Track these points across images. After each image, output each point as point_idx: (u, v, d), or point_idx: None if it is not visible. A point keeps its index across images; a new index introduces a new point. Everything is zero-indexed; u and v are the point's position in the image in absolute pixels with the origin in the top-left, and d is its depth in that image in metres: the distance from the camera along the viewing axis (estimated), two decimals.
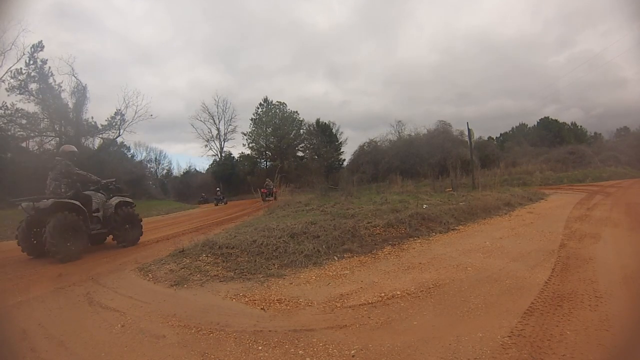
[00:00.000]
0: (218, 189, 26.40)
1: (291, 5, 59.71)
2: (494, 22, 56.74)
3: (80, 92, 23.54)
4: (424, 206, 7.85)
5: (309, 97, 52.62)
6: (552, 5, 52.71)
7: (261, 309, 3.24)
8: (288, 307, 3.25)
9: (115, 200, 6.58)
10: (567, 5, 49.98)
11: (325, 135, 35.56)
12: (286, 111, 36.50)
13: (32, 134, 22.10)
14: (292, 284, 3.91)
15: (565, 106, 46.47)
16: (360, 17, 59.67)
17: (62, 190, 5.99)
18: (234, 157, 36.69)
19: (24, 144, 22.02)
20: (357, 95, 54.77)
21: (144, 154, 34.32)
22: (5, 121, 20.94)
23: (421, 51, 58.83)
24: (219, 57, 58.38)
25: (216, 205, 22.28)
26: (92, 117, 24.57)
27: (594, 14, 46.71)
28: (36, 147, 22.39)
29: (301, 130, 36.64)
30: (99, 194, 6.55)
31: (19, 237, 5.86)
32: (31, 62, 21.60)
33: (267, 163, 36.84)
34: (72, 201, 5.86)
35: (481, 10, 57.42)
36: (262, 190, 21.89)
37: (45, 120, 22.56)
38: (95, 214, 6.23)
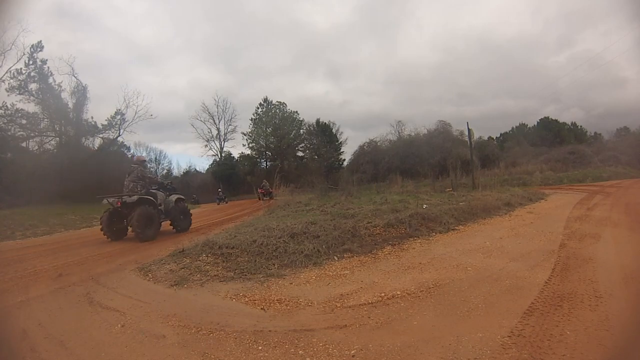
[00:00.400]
0: (220, 189, 26.71)
1: (291, 5, 59.59)
2: (495, 22, 56.56)
3: (81, 92, 23.53)
4: (424, 206, 7.85)
5: (310, 97, 52.54)
6: (553, 5, 52.56)
7: (261, 309, 3.24)
8: (288, 307, 3.25)
9: (174, 197, 8.39)
10: (567, 4, 49.84)
11: (325, 135, 35.51)
12: (286, 111, 36.47)
13: (32, 134, 22.09)
14: (292, 284, 3.91)
15: (566, 106, 46.15)
16: (361, 16, 59.55)
17: (138, 189, 7.53)
18: (234, 157, 36.67)
19: (24, 144, 22.03)
20: (358, 95, 54.65)
21: (144, 154, 34.30)
22: (5, 121, 20.93)
23: (422, 51, 58.63)
24: (219, 56, 58.29)
25: (218, 204, 22.94)
26: (92, 117, 24.56)
27: (595, 14, 46.53)
28: (36, 147, 22.40)
29: (301, 130, 36.61)
30: (161, 192, 8.18)
31: (103, 225, 7.41)
32: (31, 62, 21.59)
33: (267, 163, 36.82)
34: (150, 197, 7.57)
35: (482, 10, 57.32)
36: (259, 190, 22.93)
37: (45, 120, 22.56)
38: (160, 207, 7.87)
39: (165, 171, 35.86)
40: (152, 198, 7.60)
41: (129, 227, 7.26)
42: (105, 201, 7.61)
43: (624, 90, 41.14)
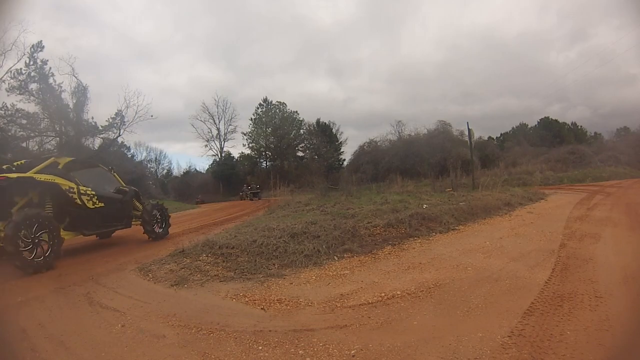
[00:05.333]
0: (250, 185, 26.89)
1: (294, 1, 59.48)
2: (500, 19, 56.48)
3: (81, 93, 23.55)
4: (424, 206, 7.85)
5: (312, 94, 52.54)
6: (559, 1, 52.33)
7: (261, 309, 3.24)
8: (288, 307, 3.25)
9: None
10: (573, 1, 49.58)
11: (325, 135, 35.56)
12: (286, 111, 36.55)
13: (32, 134, 22.11)
14: (292, 284, 3.91)
15: (572, 104, 45.93)
16: (364, 13, 59.36)
17: None
18: (233, 157, 36.76)
19: (24, 144, 22.03)
20: (361, 93, 54.65)
21: (144, 154, 34.37)
22: (6, 121, 20.93)
23: (426, 48, 58.58)
24: (220, 53, 58.28)
25: (251, 200, 23.91)
26: (93, 117, 24.58)
27: (601, 11, 46.30)
28: (36, 147, 22.39)
29: (301, 130, 36.68)
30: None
31: None
32: (31, 62, 21.61)
33: (267, 163, 36.88)
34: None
35: (487, 7, 57.11)
36: (248, 188, 24.77)
37: (46, 120, 22.58)
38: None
39: (165, 171, 35.88)
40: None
41: None
42: None
43: (631, 88, 40.98)
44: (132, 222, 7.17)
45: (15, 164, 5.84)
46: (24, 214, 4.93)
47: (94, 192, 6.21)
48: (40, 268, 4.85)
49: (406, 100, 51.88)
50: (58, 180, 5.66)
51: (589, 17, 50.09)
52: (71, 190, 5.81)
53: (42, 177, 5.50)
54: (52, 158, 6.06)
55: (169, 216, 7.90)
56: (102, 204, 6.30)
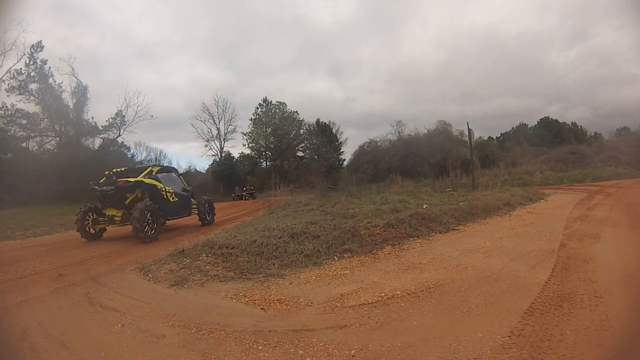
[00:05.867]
0: (245, 187, 27.90)
1: (294, 1, 59.39)
2: (500, 19, 56.39)
3: (81, 93, 23.54)
4: (424, 206, 7.85)
5: (312, 94, 52.49)
6: (559, 1, 52.23)
7: (261, 309, 3.24)
8: (288, 307, 3.25)
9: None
10: (573, 1, 49.48)
11: (325, 135, 35.52)
12: (286, 111, 36.49)
13: (32, 134, 22.10)
14: (292, 284, 3.91)
15: (573, 104, 45.76)
16: (365, 13, 59.24)
17: None
18: (233, 157, 36.68)
19: (24, 144, 22.03)
20: (361, 93, 54.59)
21: (144, 154, 34.26)
22: (6, 121, 20.93)
23: (426, 48, 58.52)
24: (220, 53, 58.15)
25: (246, 199, 24.90)
26: (93, 118, 24.56)
27: (602, 11, 46.18)
28: (36, 147, 22.40)
29: (301, 130, 36.62)
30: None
31: None
32: (31, 62, 21.60)
33: (267, 163, 36.85)
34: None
35: (487, 6, 57.03)
36: (243, 189, 26.04)
37: (46, 120, 22.56)
38: None
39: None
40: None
41: None
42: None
43: (632, 88, 40.93)
44: (192, 213, 9.42)
45: (114, 170, 8.18)
46: (144, 205, 7.18)
47: (172, 191, 8.57)
48: (152, 239, 7.16)
49: (406, 100, 51.89)
50: (154, 182, 8.10)
51: (589, 16, 50.11)
52: (161, 189, 8.21)
53: (147, 180, 7.90)
54: (149, 167, 8.47)
55: (214, 208, 10.37)
56: (177, 199, 8.67)
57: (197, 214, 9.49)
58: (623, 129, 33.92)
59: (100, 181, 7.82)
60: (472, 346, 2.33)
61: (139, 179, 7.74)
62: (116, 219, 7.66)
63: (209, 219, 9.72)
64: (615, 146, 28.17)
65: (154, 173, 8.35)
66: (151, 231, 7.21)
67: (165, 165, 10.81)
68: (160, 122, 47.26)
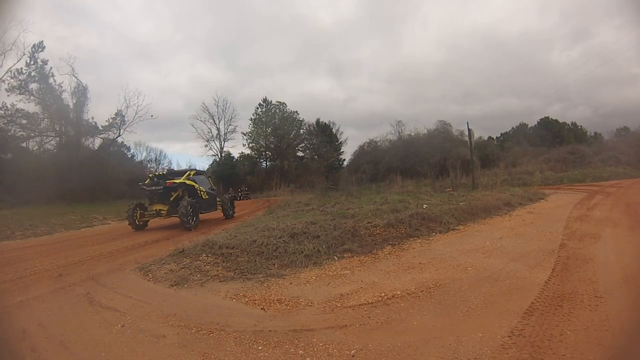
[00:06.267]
0: (240, 188, 28.32)
1: (294, 0, 59.28)
2: (501, 19, 56.35)
3: (81, 93, 23.49)
4: (424, 206, 7.85)
5: (312, 94, 52.47)
6: (560, 1, 52.12)
7: (261, 309, 3.24)
8: (288, 307, 3.25)
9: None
10: (574, 1, 49.37)
11: (325, 135, 35.52)
12: (286, 111, 36.49)
13: (32, 134, 22.06)
14: (292, 284, 3.91)
15: (573, 104, 45.69)
16: (365, 12, 59.22)
17: None
18: (233, 157, 36.68)
19: (24, 144, 22.00)
20: (361, 93, 54.59)
21: (144, 154, 34.23)
22: (6, 121, 20.90)
23: (426, 48, 58.46)
24: (220, 53, 58.15)
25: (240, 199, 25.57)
26: (93, 118, 24.52)
27: (602, 10, 46.06)
28: (36, 147, 22.37)
29: (301, 130, 36.62)
30: None
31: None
32: (32, 62, 21.57)
33: (267, 163, 36.85)
34: None
35: (488, 6, 56.94)
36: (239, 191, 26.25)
37: (46, 120, 22.51)
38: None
39: (165, 171, 35.90)
40: None
41: None
42: None
43: (633, 88, 40.84)
44: (217, 208, 11.34)
45: (156, 173, 10.70)
46: (187, 202, 9.00)
47: (204, 190, 10.38)
48: (194, 228, 8.93)
49: (406, 100, 51.88)
50: (192, 183, 9.93)
51: (590, 16, 50.10)
52: (197, 189, 9.99)
53: (188, 181, 9.80)
54: (188, 171, 10.34)
55: (235, 204, 12.69)
56: (208, 197, 10.48)
57: (222, 209, 11.51)
58: (623, 129, 33.96)
59: (145, 182, 9.74)
60: (472, 346, 2.33)
61: (182, 180, 9.67)
62: (162, 212, 9.53)
63: (230, 213, 11.77)
64: (615, 146, 28.18)
65: (191, 175, 10.18)
66: (192, 221, 9.01)
67: (198, 169, 12.46)
68: (160, 122, 47.29)
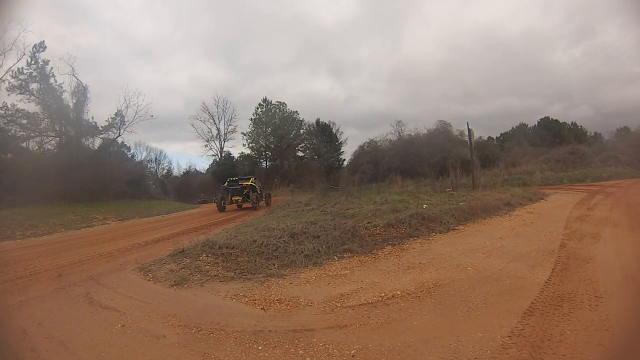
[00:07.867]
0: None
1: None
2: (501, 18, 56.04)
3: (81, 93, 23.46)
4: (424, 206, 7.85)
5: (312, 94, 52.11)
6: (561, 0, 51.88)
7: (261, 308, 3.24)
8: (288, 307, 3.25)
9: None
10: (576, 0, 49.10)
11: (325, 135, 35.48)
12: (286, 111, 36.45)
13: (32, 134, 22.04)
14: (292, 284, 3.91)
15: (575, 103, 45.13)
16: (366, 12, 58.71)
17: None
18: (233, 157, 36.68)
19: (24, 144, 21.98)
20: (361, 93, 54.24)
21: (144, 154, 34.25)
22: (6, 121, 20.89)
23: (427, 48, 58.12)
24: (220, 52, 57.74)
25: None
26: (93, 117, 24.49)
27: (605, 9, 45.78)
28: (36, 147, 22.34)
29: (301, 130, 36.57)
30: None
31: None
32: (32, 62, 21.55)
33: (267, 163, 36.85)
34: None
35: (489, 5, 56.64)
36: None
37: (46, 120, 22.47)
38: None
39: (165, 171, 36.00)
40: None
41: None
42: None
43: (635, 87, 40.68)
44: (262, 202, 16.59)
45: (232, 178, 16.78)
46: (255, 195, 15.41)
47: (259, 188, 16.34)
48: (257, 209, 14.50)
49: (407, 100, 51.65)
50: (254, 184, 16.01)
51: (592, 15, 49.73)
52: (258, 188, 16.26)
53: (255, 183, 16.15)
54: (251, 177, 17.05)
55: (270, 199, 17.49)
56: (259, 193, 16.18)
57: (264, 200, 16.58)
58: (623, 129, 33.93)
59: (225, 184, 16.00)
60: (472, 346, 2.33)
61: (250, 183, 15.72)
62: (239, 201, 15.36)
63: (268, 202, 16.73)
64: (615, 146, 28.15)
65: (253, 179, 16.46)
66: (257, 206, 14.84)
67: (255, 176, 18.52)
68: (160, 122, 47.18)
